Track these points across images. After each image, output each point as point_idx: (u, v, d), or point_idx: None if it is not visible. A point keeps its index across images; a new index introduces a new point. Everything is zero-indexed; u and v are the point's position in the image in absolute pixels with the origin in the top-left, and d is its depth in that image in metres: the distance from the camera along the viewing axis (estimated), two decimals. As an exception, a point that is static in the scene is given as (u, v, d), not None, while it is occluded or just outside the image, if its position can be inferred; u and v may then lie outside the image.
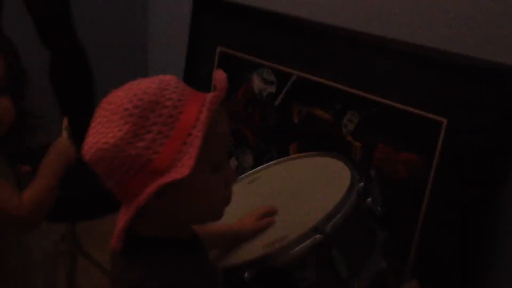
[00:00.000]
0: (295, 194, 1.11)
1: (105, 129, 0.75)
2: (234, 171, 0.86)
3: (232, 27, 1.90)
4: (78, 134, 2.35)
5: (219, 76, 0.80)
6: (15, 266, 1.15)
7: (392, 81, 1.47)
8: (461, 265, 1.33)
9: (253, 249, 0.97)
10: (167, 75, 0.80)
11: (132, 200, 0.75)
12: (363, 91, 1.52)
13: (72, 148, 1.06)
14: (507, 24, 1.27)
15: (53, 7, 2.05)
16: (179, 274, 0.78)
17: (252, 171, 1.28)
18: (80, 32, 2.11)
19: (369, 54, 1.53)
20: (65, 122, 1.14)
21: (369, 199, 1.02)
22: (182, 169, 0.72)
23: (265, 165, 1.30)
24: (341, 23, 1.61)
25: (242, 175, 1.27)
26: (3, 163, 1.08)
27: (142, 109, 0.74)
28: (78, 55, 2.15)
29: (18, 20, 1.98)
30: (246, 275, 0.90)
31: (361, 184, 1.01)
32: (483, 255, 1.33)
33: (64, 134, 1.14)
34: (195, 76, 2.01)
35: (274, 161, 1.30)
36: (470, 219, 1.31)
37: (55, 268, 1.67)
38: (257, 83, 1.82)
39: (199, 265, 0.84)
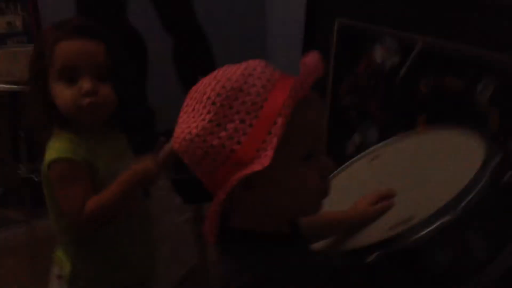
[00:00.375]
0: (421, 171, 1.02)
1: (189, 119, 0.73)
2: (330, 161, 0.77)
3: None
4: None
5: (308, 59, 0.74)
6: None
7: None
8: None
9: (375, 232, 0.91)
10: (256, 60, 0.76)
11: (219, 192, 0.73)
12: (500, 53, 1.38)
13: (153, 169, 1.03)
14: None
15: None
16: (272, 267, 0.74)
17: (374, 147, 1.22)
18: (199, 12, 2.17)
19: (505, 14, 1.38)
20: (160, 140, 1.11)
21: (509, 174, 0.91)
22: (263, 160, 0.69)
23: (388, 140, 1.22)
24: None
25: (364, 152, 1.21)
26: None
27: (225, 97, 0.72)
28: (200, 37, 2.22)
29: (142, 8, 2.09)
30: (371, 258, 0.85)
31: (498, 159, 0.90)
32: None
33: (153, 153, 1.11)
34: (312, 47, 1.98)
35: (399, 136, 1.22)
36: None
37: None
38: (379, 54, 1.73)
39: (295, 259, 0.79)
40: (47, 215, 1.09)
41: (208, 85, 0.73)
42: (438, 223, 0.85)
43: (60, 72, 1.02)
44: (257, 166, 0.69)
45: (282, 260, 0.76)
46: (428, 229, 0.85)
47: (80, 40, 1.03)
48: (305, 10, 1.98)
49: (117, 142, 1.13)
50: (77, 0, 1.96)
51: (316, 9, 1.95)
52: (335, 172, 1.18)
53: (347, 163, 1.21)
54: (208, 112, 0.71)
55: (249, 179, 0.70)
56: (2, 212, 1.76)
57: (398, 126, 1.68)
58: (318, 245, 0.97)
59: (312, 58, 0.75)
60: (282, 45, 2.36)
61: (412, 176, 1.02)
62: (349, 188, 1.11)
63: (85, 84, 1.02)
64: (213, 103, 0.71)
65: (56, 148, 1.04)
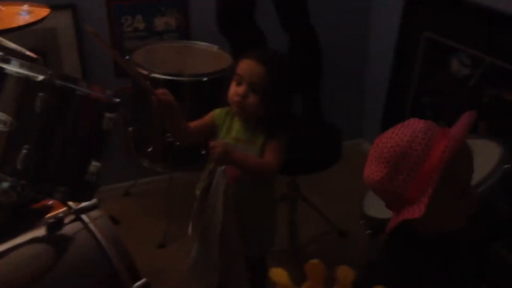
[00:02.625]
0: None
1: (373, 167, 1.03)
2: (477, 194, 1.06)
3: (438, 16, 2.19)
4: (311, 106, 2.81)
5: (461, 121, 1.02)
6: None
7: None
8: None
9: None
10: (419, 123, 1.01)
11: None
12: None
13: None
14: None
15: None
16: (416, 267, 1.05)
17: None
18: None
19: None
20: None
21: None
22: (420, 209, 0.96)
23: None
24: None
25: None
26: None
27: (395, 158, 1.00)
28: (312, 37, 2.53)
29: (264, 10, 2.48)
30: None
31: (507, 166, 1.30)
32: None
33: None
34: (402, 53, 2.36)
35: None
36: None
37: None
38: (455, 65, 2.10)
39: (425, 262, 1.06)
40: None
41: (385, 145, 1.02)
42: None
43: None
44: (414, 214, 0.97)
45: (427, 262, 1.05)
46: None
47: (251, 61, 1.51)
48: (399, 23, 2.35)
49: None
50: (217, 7, 2.39)
51: (409, 22, 2.32)
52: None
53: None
54: (385, 167, 1.01)
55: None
56: (151, 165, 2.31)
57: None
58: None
59: (463, 122, 1.02)
60: (380, 49, 2.71)
61: None
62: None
63: (241, 88, 1.52)
64: (388, 162, 1.01)
65: None
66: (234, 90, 1.53)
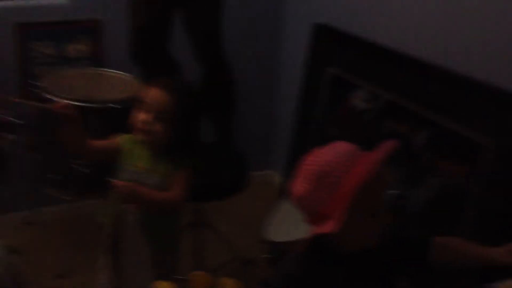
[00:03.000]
0: None
1: (298, 182, 1.12)
2: (387, 216, 1.13)
3: (340, 54, 2.33)
4: (223, 135, 2.89)
5: (380, 147, 1.12)
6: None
7: (455, 108, 1.81)
8: None
9: None
10: (344, 145, 1.12)
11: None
12: (435, 114, 1.87)
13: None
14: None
15: (209, 34, 2.51)
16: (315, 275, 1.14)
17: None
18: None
19: (444, 85, 1.87)
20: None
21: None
22: (332, 225, 1.05)
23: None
24: (424, 57, 1.97)
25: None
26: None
27: (317, 177, 1.08)
28: (225, 71, 2.62)
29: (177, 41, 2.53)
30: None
31: (394, 190, 1.41)
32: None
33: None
34: (308, 87, 2.48)
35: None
36: (507, 222, 1.63)
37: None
38: (356, 100, 2.24)
39: (337, 275, 1.14)
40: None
41: (310, 163, 1.10)
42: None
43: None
44: (328, 229, 1.05)
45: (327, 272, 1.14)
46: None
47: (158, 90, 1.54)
48: (305, 59, 2.48)
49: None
50: (129, 36, 2.41)
51: (314, 59, 2.45)
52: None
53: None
54: (308, 183, 1.09)
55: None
56: (55, 192, 2.25)
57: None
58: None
59: (376, 156, 1.09)
60: (288, 84, 2.84)
61: None
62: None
63: (147, 116, 1.53)
64: (311, 178, 1.09)
65: None
66: (141, 118, 1.54)
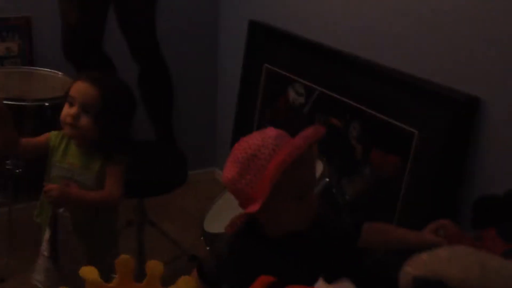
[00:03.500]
0: None
1: (228, 167, 1.13)
2: (315, 200, 1.15)
3: (276, 50, 2.39)
4: (161, 132, 2.89)
5: (303, 132, 1.11)
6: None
7: (384, 100, 1.89)
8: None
9: None
10: (272, 131, 1.12)
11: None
12: (365, 106, 1.95)
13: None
14: (460, 59, 1.66)
15: (143, 30, 2.54)
16: (241, 256, 1.17)
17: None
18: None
19: (373, 79, 1.95)
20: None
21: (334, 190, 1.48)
22: (255, 206, 1.07)
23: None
24: (355, 52, 2.04)
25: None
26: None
27: (246, 160, 1.09)
28: (162, 68, 2.64)
29: (114, 39, 2.53)
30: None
31: (327, 179, 1.47)
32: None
33: None
34: (246, 84, 2.53)
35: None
36: (433, 205, 1.72)
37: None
38: (292, 94, 2.30)
39: (268, 256, 1.17)
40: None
41: (238, 148, 1.12)
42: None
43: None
44: (251, 209, 1.08)
45: (253, 254, 1.17)
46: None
47: (83, 82, 1.51)
48: (243, 57, 2.53)
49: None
50: (62, 33, 2.40)
51: (251, 56, 2.50)
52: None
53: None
54: (236, 167, 1.11)
55: (261, 208, 1.07)
56: None
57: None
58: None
59: (304, 134, 1.11)
60: (228, 78, 2.88)
61: None
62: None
63: (72, 109, 1.51)
64: (239, 162, 1.11)
65: None
66: (66, 111, 1.52)
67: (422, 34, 1.80)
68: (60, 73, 2.26)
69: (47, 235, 1.55)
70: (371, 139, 1.94)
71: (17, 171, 1.97)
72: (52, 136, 1.59)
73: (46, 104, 2.01)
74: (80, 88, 1.51)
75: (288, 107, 2.32)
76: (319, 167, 1.58)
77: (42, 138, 1.60)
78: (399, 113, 1.83)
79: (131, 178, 1.64)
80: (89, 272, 0.99)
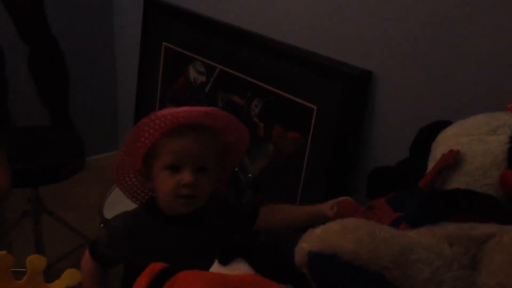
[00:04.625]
0: None
1: (120, 151, 1.17)
2: (189, 177, 1.11)
3: (174, 28, 2.33)
4: (57, 117, 2.78)
5: (193, 107, 1.13)
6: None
7: (284, 77, 1.90)
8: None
9: None
10: (165, 110, 1.12)
11: None
12: (266, 83, 1.95)
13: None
14: (354, 36, 1.69)
15: (31, 10, 2.42)
16: (137, 227, 1.17)
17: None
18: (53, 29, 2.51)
19: (272, 56, 1.94)
20: None
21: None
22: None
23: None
24: (254, 30, 2.03)
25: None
26: None
27: (131, 141, 1.14)
28: (53, 48, 2.53)
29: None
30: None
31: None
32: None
33: None
34: (146, 63, 2.45)
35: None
36: (333, 177, 1.76)
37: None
38: (192, 73, 2.25)
39: (162, 233, 1.17)
40: None
41: (130, 131, 1.14)
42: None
43: None
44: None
45: (147, 227, 1.17)
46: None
47: None
48: (141, 33, 2.44)
49: None
50: None
51: (149, 34, 2.42)
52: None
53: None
54: (123, 149, 1.16)
55: (146, 173, 1.15)
56: None
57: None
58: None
59: (190, 108, 1.11)
60: (125, 59, 2.78)
61: None
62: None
63: None
64: (125, 145, 1.15)
65: None
66: None
67: (319, 11, 1.82)
68: None
69: None
70: (272, 116, 1.95)
71: None
72: None
73: None
74: None
75: (189, 86, 2.28)
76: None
77: None
78: (298, 90, 1.84)
79: (23, 167, 1.55)
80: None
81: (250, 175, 1.55)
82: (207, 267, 0.83)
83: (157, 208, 1.18)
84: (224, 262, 0.77)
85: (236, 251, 0.77)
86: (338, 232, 0.81)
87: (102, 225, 1.59)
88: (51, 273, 2.12)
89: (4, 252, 0.89)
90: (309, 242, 0.82)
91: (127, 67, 2.74)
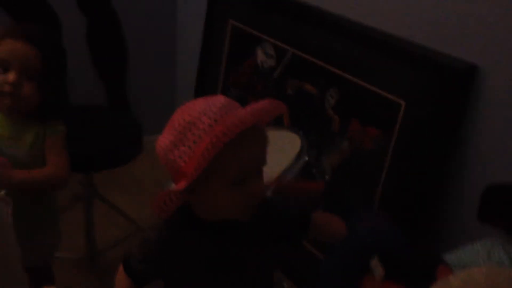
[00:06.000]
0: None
1: (164, 134, 0.96)
2: (258, 186, 0.96)
3: (243, 4, 2.13)
4: (114, 95, 2.68)
5: (254, 105, 0.93)
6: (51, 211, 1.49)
7: (367, 66, 1.68)
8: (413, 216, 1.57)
9: None
10: (220, 98, 0.95)
11: None
12: (344, 71, 1.74)
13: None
14: (455, 23, 1.46)
15: None
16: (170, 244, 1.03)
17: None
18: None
19: (353, 40, 1.73)
20: None
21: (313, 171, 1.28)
22: (181, 185, 0.91)
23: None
24: (333, 10, 1.82)
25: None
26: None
27: (183, 127, 0.92)
28: (113, 21, 2.41)
29: None
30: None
31: (306, 158, 1.27)
32: (430, 211, 1.56)
33: None
34: (209, 42, 2.28)
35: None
36: (418, 184, 1.55)
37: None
38: (260, 55, 2.06)
39: (201, 243, 1.03)
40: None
41: (178, 113, 0.95)
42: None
43: None
44: (177, 187, 0.92)
45: (184, 241, 1.02)
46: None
47: (17, 42, 1.26)
48: (205, 12, 2.27)
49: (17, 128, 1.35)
50: None
51: (214, 11, 2.24)
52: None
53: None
54: (172, 135, 0.94)
55: (191, 188, 0.92)
56: None
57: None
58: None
59: (251, 110, 0.92)
60: (188, 36, 2.62)
61: None
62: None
63: (10, 76, 1.26)
64: (175, 129, 0.93)
65: None
66: (3, 79, 1.27)
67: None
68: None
69: None
70: (350, 110, 1.74)
71: None
72: None
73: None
74: (16, 50, 1.26)
75: (256, 69, 2.09)
76: (296, 143, 1.37)
77: None
78: (384, 81, 1.62)
79: (77, 151, 1.42)
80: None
81: (326, 177, 1.36)
82: (246, 278, 0.79)
83: (194, 216, 1.02)
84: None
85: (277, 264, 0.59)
86: (486, 286, 0.62)
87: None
88: (102, 262, 2.06)
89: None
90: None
91: (189, 45, 2.57)
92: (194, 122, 0.92)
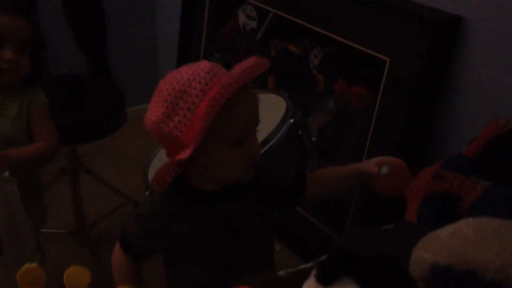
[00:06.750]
0: None
1: (152, 108, 0.93)
2: (256, 144, 0.96)
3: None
4: (94, 64, 2.61)
5: (242, 63, 0.91)
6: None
7: (350, 23, 1.65)
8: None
9: None
10: (204, 63, 0.92)
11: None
12: (327, 30, 1.71)
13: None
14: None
15: None
16: (173, 210, 1.01)
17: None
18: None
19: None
20: None
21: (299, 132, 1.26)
22: (186, 152, 0.88)
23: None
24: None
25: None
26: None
27: (173, 97, 0.89)
28: None
29: None
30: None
31: (292, 120, 1.25)
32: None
33: None
34: (189, 7, 2.23)
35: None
36: (405, 141, 1.54)
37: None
38: (241, 18, 2.02)
39: (198, 213, 1.01)
40: None
41: (164, 84, 0.92)
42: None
43: None
44: (181, 156, 0.89)
45: (185, 208, 1.00)
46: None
47: (8, 16, 1.24)
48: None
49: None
50: None
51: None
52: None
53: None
54: (162, 106, 0.90)
55: (192, 156, 0.89)
56: None
57: (254, 83, 2.00)
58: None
59: (243, 66, 0.90)
60: (166, 4, 2.55)
61: None
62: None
63: (8, 52, 1.24)
64: (165, 100, 0.90)
65: None
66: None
67: None
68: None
69: None
70: (335, 69, 1.71)
71: None
72: None
73: None
74: (8, 25, 1.24)
75: (238, 32, 2.05)
76: (281, 105, 1.35)
77: None
78: (367, 38, 1.59)
79: (60, 122, 1.40)
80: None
81: (314, 139, 1.34)
82: (246, 245, 0.80)
83: (191, 187, 1.01)
84: (326, 282, 0.57)
85: (341, 267, 0.57)
86: (474, 240, 0.61)
87: (147, 192, 1.42)
88: (91, 235, 2.04)
89: (34, 265, 0.71)
90: (433, 252, 0.62)
91: (168, 10, 2.51)
92: (184, 90, 0.89)
